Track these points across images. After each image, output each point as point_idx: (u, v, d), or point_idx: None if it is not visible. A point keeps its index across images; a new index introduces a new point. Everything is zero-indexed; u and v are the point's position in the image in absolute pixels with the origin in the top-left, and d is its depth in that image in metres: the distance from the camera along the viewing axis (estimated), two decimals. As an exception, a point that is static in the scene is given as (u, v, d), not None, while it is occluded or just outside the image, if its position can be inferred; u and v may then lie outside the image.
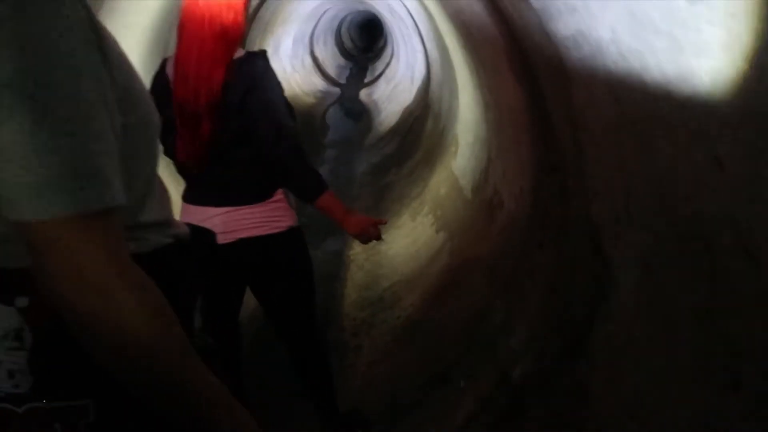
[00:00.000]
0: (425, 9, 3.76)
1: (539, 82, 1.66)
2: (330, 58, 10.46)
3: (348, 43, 12.30)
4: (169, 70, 1.57)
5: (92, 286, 0.64)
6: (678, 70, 0.89)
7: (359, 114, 7.58)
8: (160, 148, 1.10)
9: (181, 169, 1.63)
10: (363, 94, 8.73)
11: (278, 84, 1.57)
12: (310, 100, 7.71)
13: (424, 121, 5.12)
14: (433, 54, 4.83)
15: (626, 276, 1.32)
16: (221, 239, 1.56)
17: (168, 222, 0.91)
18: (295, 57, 8.11)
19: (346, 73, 10.45)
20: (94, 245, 0.64)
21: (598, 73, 1.20)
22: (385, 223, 1.81)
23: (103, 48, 0.69)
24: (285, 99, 1.59)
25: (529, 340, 1.80)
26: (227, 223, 1.56)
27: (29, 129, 0.60)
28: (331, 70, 9.93)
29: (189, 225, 1.02)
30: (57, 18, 0.62)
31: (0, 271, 0.77)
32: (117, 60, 0.74)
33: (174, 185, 2.00)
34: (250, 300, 1.84)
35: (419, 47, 5.83)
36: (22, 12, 0.59)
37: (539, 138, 1.93)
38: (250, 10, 1.61)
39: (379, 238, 1.76)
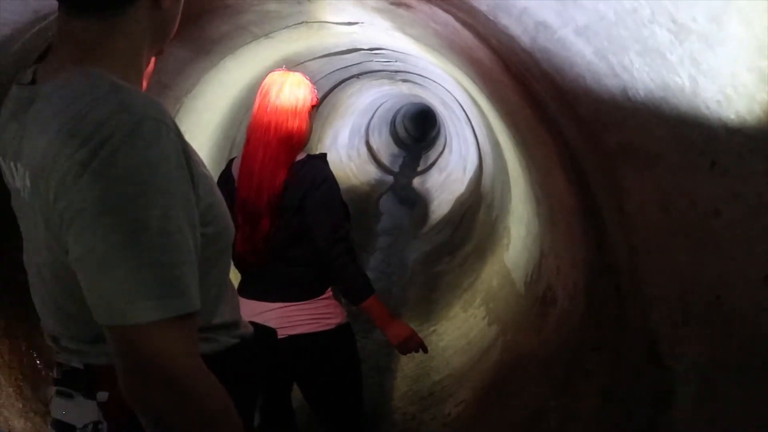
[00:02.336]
0: (476, 105, 3.93)
1: (590, 185, 1.70)
2: (384, 147, 10.87)
3: (402, 133, 12.77)
4: (235, 169, 1.70)
5: (169, 383, 0.70)
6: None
7: (412, 202, 7.74)
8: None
9: (239, 264, 1.72)
10: (416, 182, 8.95)
11: (335, 185, 1.66)
12: (365, 188, 7.96)
13: (476, 211, 5.19)
14: (485, 146, 4.97)
15: (686, 387, 1.28)
16: None
17: (237, 323, 0.97)
18: (351, 147, 8.49)
19: (400, 161, 10.78)
20: (174, 347, 0.71)
21: (649, 181, 1.24)
22: (426, 351, 1.83)
23: (192, 170, 0.79)
24: (341, 200, 1.68)
25: (587, 448, 1.73)
26: (279, 319, 1.61)
27: (127, 245, 0.69)
28: (386, 159, 10.28)
29: (253, 324, 1.08)
30: (157, 148, 0.72)
31: (86, 367, 0.85)
32: (202, 179, 0.84)
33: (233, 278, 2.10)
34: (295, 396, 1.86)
35: (471, 139, 6.02)
36: (130, 143, 0.70)
37: (592, 238, 1.94)
38: (314, 114, 1.75)
39: (420, 349, 1.77)
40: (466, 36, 1.85)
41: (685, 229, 1.12)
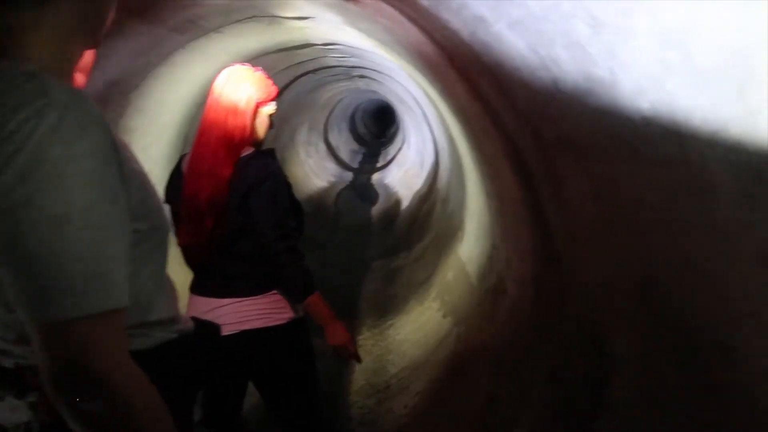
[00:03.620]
0: (430, 100, 3.97)
1: (533, 177, 1.75)
2: (344, 143, 10.84)
3: (361, 129, 12.76)
4: (185, 165, 1.68)
5: (94, 380, 0.69)
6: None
7: (371, 198, 7.76)
8: (173, 240, 1.18)
9: (189, 261, 1.70)
10: (375, 178, 8.97)
11: (281, 181, 1.63)
12: (324, 184, 7.93)
13: (433, 206, 5.24)
14: (441, 142, 5.03)
15: (623, 369, 1.34)
16: (226, 330, 1.59)
17: (174, 319, 0.97)
18: (310, 144, 8.43)
19: (359, 157, 10.78)
20: (99, 343, 0.70)
21: (584, 172, 1.28)
22: (359, 361, 1.83)
23: (122, 166, 0.78)
24: (291, 196, 1.67)
25: (534, 431, 1.78)
26: (231, 314, 1.60)
27: (50, 240, 0.68)
28: (345, 155, 10.26)
29: (194, 319, 1.07)
30: (81, 142, 0.71)
31: (16, 367, 0.84)
32: (132, 174, 0.83)
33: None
34: (251, 393, 1.85)
35: (428, 134, 6.07)
36: (54, 137, 0.69)
37: (537, 229, 1.99)
38: (273, 113, 1.71)
39: (353, 357, 1.77)
40: (413, 30, 1.87)
41: (615, 217, 1.17)
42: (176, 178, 1.70)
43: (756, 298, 0.73)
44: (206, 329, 1.14)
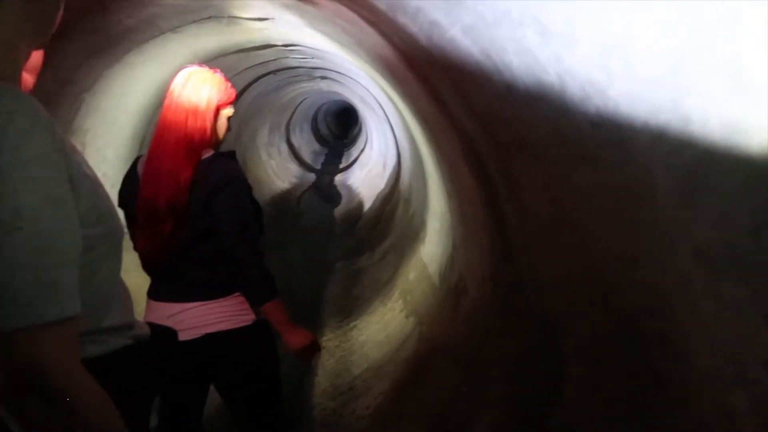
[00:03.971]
0: (392, 102, 4.00)
1: (491, 179, 1.79)
2: (306, 144, 10.79)
3: (324, 130, 12.72)
4: (140, 167, 1.65)
5: (43, 391, 0.68)
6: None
7: (334, 199, 7.75)
8: (129, 245, 1.16)
9: (146, 266, 1.67)
10: (338, 179, 8.96)
11: (244, 184, 1.62)
12: (286, 186, 7.88)
13: (395, 207, 5.27)
14: (403, 143, 5.06)
15: (575, 364, 1.38)
16: (187, 335, 1.58)
17: (129, 325, 0.95)
18: (272, 145, 8.36)
19: (322, 159, 10.75)
20: (48, 353, 0.68)
21: (537, 174, 1.32)
22: (319, 349, 1.83)
23: (71, 171, 0.77)
24: (250, 198, 1.66)
25: (493, 428, 1.82)
26: (193, 318, 1.58)
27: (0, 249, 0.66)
28: (307, 157, 10.21)
29: (151, 325, 1.06)
30: (27, 147, 0.70)
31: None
32: (83, 179, 0.81)
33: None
34: (214, 397, 1.83)
35: (390, 136, 6.10)
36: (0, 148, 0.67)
37: (495, 229, 2.03)
38: (231, 115, 1.70)
39: (312, 358, 1.78)
40: (371, 33, 1.89)
41: (568, 217, 1.21)
42: (131, 181, 1.66)
43: (693, 291, 0.77)
44: (163, 335, 1.13)
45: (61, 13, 0.88)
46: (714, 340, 0.78)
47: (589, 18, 0.70)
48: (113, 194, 1.65)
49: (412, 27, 1.37)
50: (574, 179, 1.07)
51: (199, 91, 1.59)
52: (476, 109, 1.46)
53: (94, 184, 0.84)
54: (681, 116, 0.62)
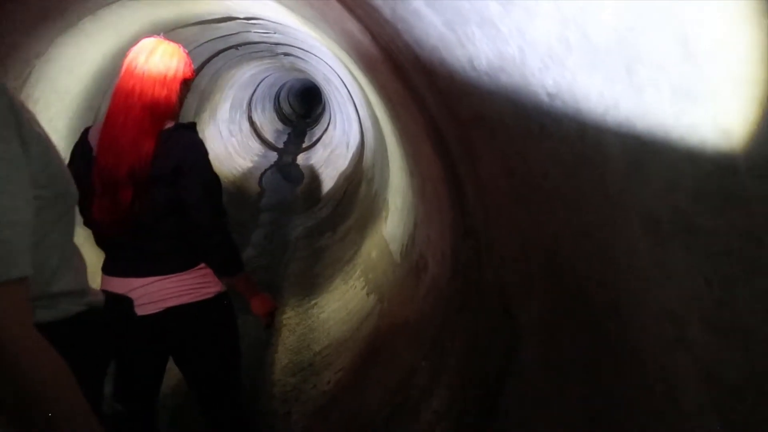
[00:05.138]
0: (355, 80, 3.97)
1: (451, 154, 1.80)
2: (268, 123, 10.62)
3: (287, 109, 12.55)
4: (92, 137, 1.60)
5: None
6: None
7: (296, 178, 7.68)
8: (79, 219, 1.13)
9: (101, 241, 1.63)
10: (300, 158, 8.87)
11: (208, 157, 1.62)
12: (247, 164, 7.76)
13: (358, 186, 5.27)
14: (366, 122, 5.04)
15: (530, 335, 1.42)
16: (148, 309, 1.56)
17: (82, 291, 0.93)
18: (233, 122, 8.20)
19: (285, 137, 10.61)
20: (1, 314, 0.67)
21: (497, 148, 1.34)
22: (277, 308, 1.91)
23: (21, 129, 0.74)
24: (214, 171, 1.64)
25: (451, 401, 1.86)
26: (153, 293, 1.56)
27: None
28: (269, 135, 10.06)
29: (106, 293, 1.04)
30: None
31: None
32: (35, 138, 0.79)
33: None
34: (174, 374, 1.82)
35: (354, 115, 6.07)
36: None
37: (456, 205, 2.06)
38: (187, 90, 1.69)
39: (274, 321, 1.86)
40: (336, 7, 1.87)
41: (524, 192, 1.24)
42: (82, 152, 1.60)
43: (640, 259, 0.81)
44: (118, 303, 1.11)
45: None
46: (659, 306, 0.82)
47: (549, -12, 0.71)
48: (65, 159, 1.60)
49: (376, -1, 1.36)
50: (532, 153, 1.09)
51: (168, 61, 1.58)
52: (439, 84, 1.47)
53: (45, 145, 0.82)
54: (634, 85, 0.64)
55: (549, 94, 0.86)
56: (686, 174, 0.65)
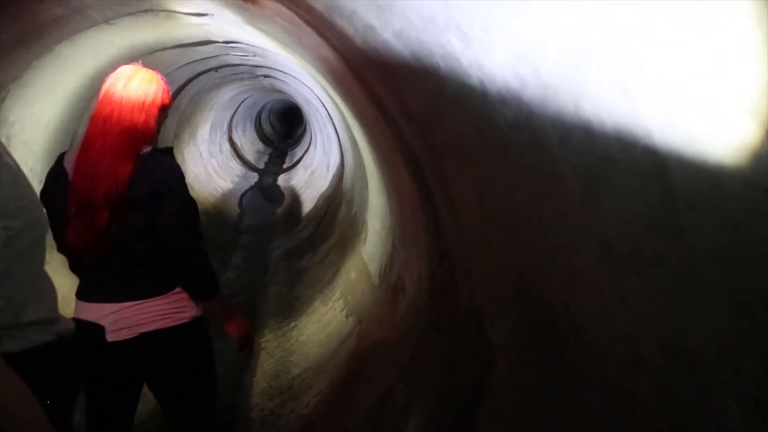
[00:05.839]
0: (334, 103, 4.01)
1: (426, 179, 1.84)
2: (249, 143, 10.63)
3: (268, 130, 12.57)
4: (68, 162, 1.60)
5: None
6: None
7: (277, 199, 7.67)
8: (52, 245, 1.13)
9: (75, 266, 1.62)
10: (281, 179, 8.87)
11: (185, 182, 1.63)
12: (227, 185, 7.74)
13: (338, 207, 5.29)
14: (346, 144, 5.08)
15: (502, 356, 1.45)
16: (123, 335, 1.55)
17: (52, 320, 0.94)
18: (213, 143, 8.20)
19: (265, 158, 10.62)
20: None
21: (467, 175, 1.38)
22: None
23: None
24: (190, 196, 1.65)
25: (428, 421, 1.86)
26: (128, 318, 1.55)
27: None
28: (250, 156, 10.06)
29: (77, 321, 1.04)
30: None
31: None
32: (5, 170, 0.80)
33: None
34: (148, 399, 1.80)
35: (334, 136, 6.11)
36: None
37: (432, 228, 2.09)
38: (165, 116, 1.71)
39: (250, 344, 1.88)
40: (311, 34, 1.91)
41: (494, 217, 1.27)
42: (57, 176, 1.61)
43: (598, 284, 0.84)
44: (88, 331, 1.11)
45: None
46: (617, 329, 0.85)
47: (503, 26, 0.75)
48: (39, 191, 1.60)
49: (349, 29, 1.40)
50: (498, 180, 1.12)
51: (147, 87, 1.61)
52: (410, 110, 1.50)
53: (15, 174, 0.83)
54: (582, 120, 0.68)
55: (510, 125, 0.90)
56: (637, 204, 0.68)
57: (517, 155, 0.95)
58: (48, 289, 0.96)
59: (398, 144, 2.04)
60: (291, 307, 3.94)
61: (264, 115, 12.22)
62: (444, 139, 1.38)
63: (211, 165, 7.66)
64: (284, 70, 5.05)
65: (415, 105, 1.42)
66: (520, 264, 1.20)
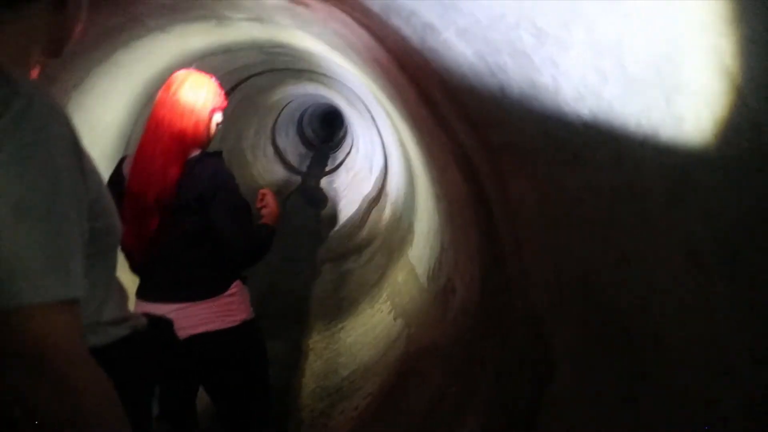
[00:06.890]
0: (381, 105, 4.01)
1: (481, 180, 1.81)
2: (291, 147, 10.76)
3: (309, 133, 12.70)
4: (126, 168, 1.65)
5: (49, 371, 0.67)
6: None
7: (320, 202, 7.74)
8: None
9: (133, 265, 1.66)
10: (324, 182, 8.95)
11: (235, 183, 1.64)
12: (271, 188, 7.84)
13: (382, 209, 5.28)
14: (390, 146, 5.08)
15: (564, 362, 1.40)
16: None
17: (126, 318, 0.96)
18: (257, 147, 8.33)
19: (308, 161, 10.73)
20: (57, 333, 0.68)
21: (529, 175, 1.34)
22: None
23: (82, 160, 0.78)
24: (242, 197, 1.67)
25: (481, 429, 1.83)
26: (179, 320, 1.58)
27: (12, 224, 0.66)
28: (293, 159, 10.18)
29: (147, 315, 1.06)
30: (47, 131, 0.70)
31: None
32: (90, 172, 0.82)
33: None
34: (201, 396, 1.83)
35: (377, 139, 6.12)
36: (20, 124, 0.68)
37: (484, 231, 2.06)
38: (220, 122, 1.75)
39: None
40: (364, 36, 1.90)
41: (557, 218, 1.23)
42: (117, 181, 1.66)
43: (682, 290, 0.80)
44: (159, 324, 1.13)
45: (80, 26, 0.89)
46: (702, 336, 0.81)
47: (583, 22, 0.72)
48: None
49: (406, 29, 1.39)
50: (565, 180, 1.09)
51: (197, 91, 1.63)
52: (468, 111, 1.48)
53: (99, 180, 0.85)
54: (673, 115, 0.64)
55: (584, 123, 0.87)
56: (730, 203, 0.65)
57: (590, 154, 0.91)
58: (119, 291, 0.99)
59: (451, 145, 2.02)
60: (338, 309, 3.96)
61: (306, 119, 12.36)
62: (505, 138, 1.36)
63: (256, 169, 7.78)
64: (328, 74, 5.09)
65: (474, 106, 1.39)
66: (585, 268, 1.16)
